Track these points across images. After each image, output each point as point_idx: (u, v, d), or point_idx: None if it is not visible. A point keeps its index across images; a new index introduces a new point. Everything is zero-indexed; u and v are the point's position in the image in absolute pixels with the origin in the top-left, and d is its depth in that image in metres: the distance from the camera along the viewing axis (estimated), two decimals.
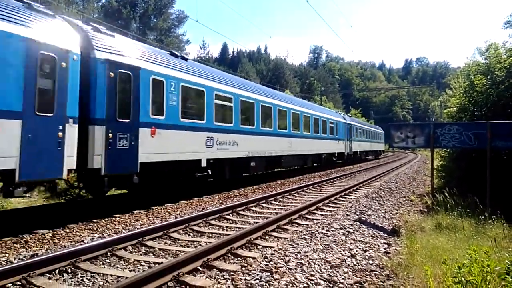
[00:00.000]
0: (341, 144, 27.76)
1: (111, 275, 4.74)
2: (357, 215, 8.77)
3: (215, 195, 12.02)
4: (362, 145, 35.68)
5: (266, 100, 16.30)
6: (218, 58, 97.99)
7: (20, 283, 4.37)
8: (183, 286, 4.36)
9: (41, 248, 6.00)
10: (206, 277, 4.63)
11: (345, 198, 11.57)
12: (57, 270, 4.80)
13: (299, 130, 19.61)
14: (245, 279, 4.44)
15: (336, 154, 26.92)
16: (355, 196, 11.96)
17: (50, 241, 6.43)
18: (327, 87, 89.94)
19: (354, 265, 5.33)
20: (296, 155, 19.38)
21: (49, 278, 4.61)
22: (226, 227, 7.65)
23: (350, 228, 7.39)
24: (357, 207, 9.75)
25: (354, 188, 13.70)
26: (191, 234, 7.06)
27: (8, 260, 5.33)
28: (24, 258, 5.32)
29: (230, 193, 12.58)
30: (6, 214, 8.69)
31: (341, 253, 5.76)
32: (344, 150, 28.67)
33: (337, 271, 4.95)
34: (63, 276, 4.71)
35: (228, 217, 8.53)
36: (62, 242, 6.38)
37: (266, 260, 5.13)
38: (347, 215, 8.67)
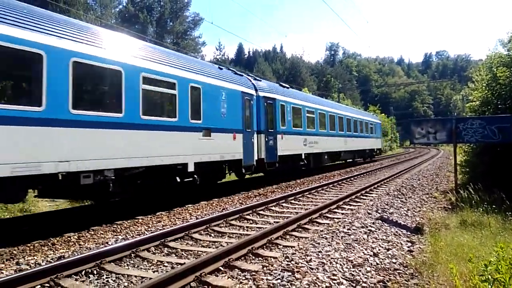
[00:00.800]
0: (227, 143, 12.12)
1: (135, 276, 4.84)
2: (379, 213, 8.66)
3: (234, 195, 12.08)
4: (319, 141, 19.72)
5: None
6: (234, 59, 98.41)
7: (48, 285, 4.50)
8: (206, 287, 4.40)
9: (67, 250, 6.17)
10: (228, 277, 4.66)
11: (366, 196, 11.43)
12: (83, 272, 4.92)
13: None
14: (266, 279, 4.44)
15: (189, 168, 10.18)
16: (376, 194, 11.80)
17: (76, 243, 6.60)
18: (345, 84, 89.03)
19: (377, 264, 5.26)
20: None
21: (76, 280, 4.73)
22: (247, 227, 7.68)
23: (372, 227, 7.30)
24: (378, 205, 9.62)
25: (375, 186, 13.52)
26: (212, 234, 7.12)
27: (36, 262, 5.50)
28: (51, 260, 5.47)
29: (250, 193, 12.61)
30: (33, 218, 8.97)
31: (363, 252, 5.69)
32: (243, 155, 12.90)
33: (360, 270, 4.90)
34: (89, 277, 4.83)
35: (248, 217, 8.56)
36: (87, 244, 6.54)
37: (287, 259, 5.12)
38: (369, 213, 8.57)
